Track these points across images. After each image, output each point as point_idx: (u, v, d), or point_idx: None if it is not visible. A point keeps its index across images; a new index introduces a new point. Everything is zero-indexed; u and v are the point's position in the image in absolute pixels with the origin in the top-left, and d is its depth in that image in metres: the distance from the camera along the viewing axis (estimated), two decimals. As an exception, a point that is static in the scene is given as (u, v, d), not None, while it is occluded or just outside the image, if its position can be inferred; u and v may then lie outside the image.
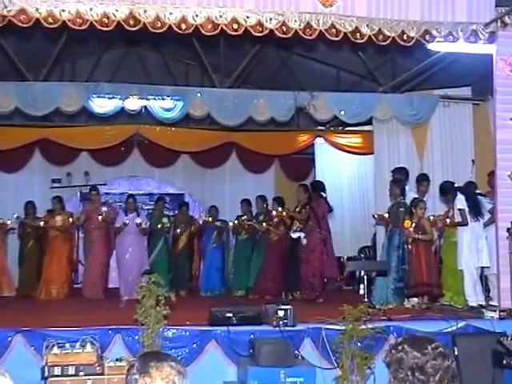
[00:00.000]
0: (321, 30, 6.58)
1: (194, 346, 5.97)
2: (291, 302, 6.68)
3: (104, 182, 11.98)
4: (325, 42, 7.87)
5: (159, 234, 10.27)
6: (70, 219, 10.06)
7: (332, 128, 12.27)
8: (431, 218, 8.00)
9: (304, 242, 8.99)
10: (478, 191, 8.08)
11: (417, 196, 8.28)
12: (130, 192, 11.46)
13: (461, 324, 6.38)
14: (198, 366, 5.90)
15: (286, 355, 5.60)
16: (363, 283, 7.61)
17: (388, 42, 6.80)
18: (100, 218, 9.67)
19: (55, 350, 5.31)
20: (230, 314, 6.11)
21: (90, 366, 5.23)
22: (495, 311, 6.62)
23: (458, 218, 7.66)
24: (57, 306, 8.64)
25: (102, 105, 9.39)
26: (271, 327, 6.07)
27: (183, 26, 6.39)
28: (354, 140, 12.17)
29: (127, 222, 9.23)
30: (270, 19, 6.48)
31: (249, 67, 10.62)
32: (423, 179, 8.59)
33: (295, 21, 6.51)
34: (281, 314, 6.09)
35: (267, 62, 11.18)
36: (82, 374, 5.21)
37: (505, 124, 6.99)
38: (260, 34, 6.59)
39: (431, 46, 7.30)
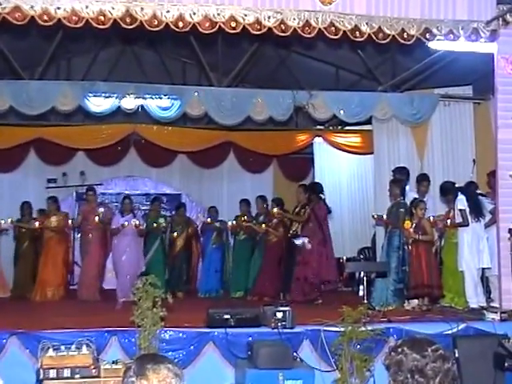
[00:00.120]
0: (320, 28, 6.56)
1: (192, 348, 5.92)
2: (290, 304, 6.62)
3: (100, 182, 11.89)
4: (324, 41, 7.81)
5: (155, 235, 10.21)
6: (69, 221, 10.00)
7: (331, 127, 12.22)
8: (431, 218, 7.96)
9: (309, 246, 8.95)
10: (478, 191, 8.06)
11: (417, 196, 8.24)
12: (127, 192, 11.48)
13: (461, 326, 6.33)
14: (196, 368, 5.85)
15: (284, 357, 5.55)
16: (363, 284, 7.52)
17: (388, 40, 6.78)
18: (97, 218, 9.61)
19: (50, 352, 5.27)
20: (228, 316, 6.07)
21: (85, 369, 5.19)
22: (496, 313, 6.56)
23: (458, 219, 7.64)
24: (52, 308, 8.57)
25: (98, 104, 9.33)
26: (269, 329, 6.02)
27: (180, 24, 6.37)
28: (354, 140, 12.12)
29: (126, 224, 9.16)
30: (269, 17, 6.46)
31: (247, 66, 10.57)
32: (423, 179, 8.56)
33: (294, 19, 6.49)
34: (279, 315, 6.05)
35: (265, 61, 11.15)
36: (77, 376, 5.17)
37: (506, 123, 6.98)
38: (258, 33, 6.58)
39: (432, 45, 7.27)
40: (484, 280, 7.71)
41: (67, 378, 5.15)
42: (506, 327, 6.20)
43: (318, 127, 12.16)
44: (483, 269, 7.62)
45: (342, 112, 9.62)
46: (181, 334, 5.95)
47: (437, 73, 9.57)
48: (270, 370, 5.38)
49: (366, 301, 7.00)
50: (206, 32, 6.47)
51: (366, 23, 6.60)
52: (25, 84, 9.08)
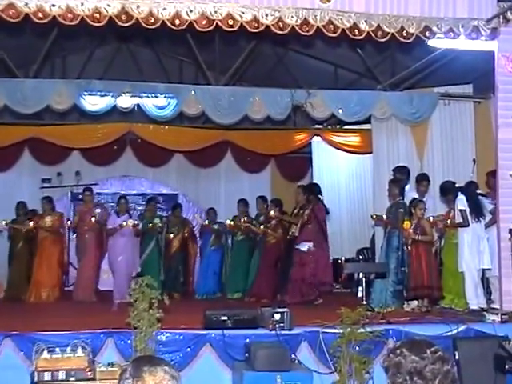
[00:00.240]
0: (318, 26, 6.54)
1: (188, 350, 5.87)
2: (288, 305, 6.62)
3: (95, 181, 11.88)
4: (322, 39, 7.81)
5: (150, 235, 10.16)
6: (64, 221, 9.94)
7: (329, 126, 12.20)
8: (431, 218, 7.93)
9: (313, 250, 8.90)
10: (478, 191, 8.04)
11: (417, 196, 8.20)
12: (123, 192, 11.44)
13: (462, 327, 6.27)
14: (192, 370, 5.80)
15: (282, 359, 5.50)
16: (361, 285, 7.50)
17: (387, 38, 6.75)
18: (93, 219, 9.58)
19: (45, 354, 5.21)
20: (225, 318, 6.01)
21: (81, 371, 5.13)
22: (497, 314, 6.51)
23: (458, 219, 7.60)
24: (47, 310, 8.53)
25: (94, 102, 9.29)
26: (267, 331, 5.97)
27: (177, 22, 6.35)
28: (352, 139, 12.10)
29: (124, 223, 9.14)
30: (266, 15, 6.44)
31: (244, 64, 10.56)
32: (423, 179, 8.51)
33: (292, 17, 6.47)
34: (277, 317, 6.00)
35: (263, 59, 11.14)
36: (72, 379, 5.11)
37: (507, 122, 6.94)
38: (256, 30, 6.56)
39: (431, 43, 7.23)
40: (484, 281, 7.68)
41: (62, 380, 5.09)
42: (507, 329, 6.15)
43: (317, 126, 12.14)
44: (483, 270, 7.59)
45: (340, 111, 9.59)
46: (177, 336, 5.90)
47: (437, 71, 9.56)
48: (268, 372, 5.33)
49: (364, 302, 7.00)
50: (203, 30, 6.45)
51: (365, 21, 6.57)
52: (19, 82, 9.05)
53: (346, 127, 11.97)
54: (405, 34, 6.71)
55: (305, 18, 6.45)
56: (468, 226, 7.50)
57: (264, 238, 9.85)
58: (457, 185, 7.93)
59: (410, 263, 7.75)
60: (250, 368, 5.44)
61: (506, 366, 5.44)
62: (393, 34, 6.67)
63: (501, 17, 6.78)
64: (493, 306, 7.36)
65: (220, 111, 9.42)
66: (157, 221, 10.09)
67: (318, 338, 5.91)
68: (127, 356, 5.52)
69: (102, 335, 5.76)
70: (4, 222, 9.87)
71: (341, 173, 12.57)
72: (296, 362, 5.80)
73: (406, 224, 7.67)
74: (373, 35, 6.66)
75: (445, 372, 2.25)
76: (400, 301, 7.84)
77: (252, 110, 9.49)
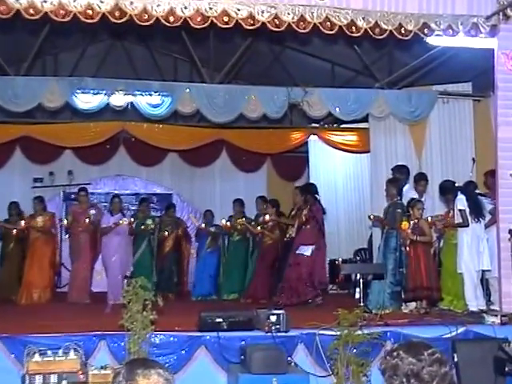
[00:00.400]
0: (315, 23, 6.53)
1: (183, 352, 5.84)
2: (284, 307, 6.69)
3: (88, 181, 11.79)
4: (319, 36, 7.79)
5: (143, 236, 10.10)
6: (56, 221, 9.87)
7: (326, 125, 12.17)
8: (429, 218, 7.89)
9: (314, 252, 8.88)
10: (478, 191, 8.01)
11: (416, 196, 8.16)
12: (116, 192, 11.38)
13: (461, 329, 6.25)
14: (187, 373, 5.78)
15: (278, 362, 5.48)
16: (359, 287, 7.46)
17: (385, 35, 6.75)
18: (87, 220, 9.55)
19: (36, 357, 5.22)
20: (220, 319, 5.99)
21: (73, 374, 5.16)
22: (496, 316, 6.49)
23: (458, 219, 7.56)
24: (38, 311, 8.44)
25: (87, 101, 9.20)
26: (263, 333, 5.94)
27: (171, 19, 6.35)
28: (350, 138, 12.06)
29: (120, 222, 9.07)
30: (262, 12, 6.44)
31: (240, 62, 10.53)
32: (421, 178, 8.48)
33: (288, 13, 6.47)
34: (273, 319, 5.97)
35: (259, 57, 11.12)
36: (64, 382, 5.15)
37: (506, 121, 6.93)
38: (252, 27, 6.56)
39: (430, 40, 7.20)
40: (484, 282, 7.65)
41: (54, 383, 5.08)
42: (507, 331, 6.13)
43: (313, 125, 12.10)
44: (483, 271, 7.56)
45: (337, 109, 9.54)
46: (172, 338, 5.88)
47: (435, 69, 9.54)
48: (264, 374, 5.31)
49: (362, 304, 6.95)
50: (198, 27, 6.44)
51: (363, 18, 6.56)
52: (10, 80, 8.96)
53: (343, 126, 11.92)
54: (403, 31, 6.70)
55: (301, 15, 6.45)
56: (468, 226, 7.46)
57: (261, 239, 9.83)
58: (456, 184, 7.89)
59: (408, 264, 7.70)
60: (245, 371, 5.43)
61: (506, 369, 5.43)
62: (391, 31, 6.67)
63: (500, 14, 6.75)
64: (492, 307, 7.33)
65: (215, 109, 9.36)
66: (149, 222, 10.05)
67: (314, 340, 5.89)
68: (120, 359, 5.51)
69: (94, 337, 5.73)
70: None
71: (338, 172, 12.54)
72: (292, 364, 5.79)
73: (404, 224, 7.62)
74: (370, 32, 6.65)
75: (442, 374, 2.24)
76: (398, 302, 7.81)
77: (248, 108, 9.44)
